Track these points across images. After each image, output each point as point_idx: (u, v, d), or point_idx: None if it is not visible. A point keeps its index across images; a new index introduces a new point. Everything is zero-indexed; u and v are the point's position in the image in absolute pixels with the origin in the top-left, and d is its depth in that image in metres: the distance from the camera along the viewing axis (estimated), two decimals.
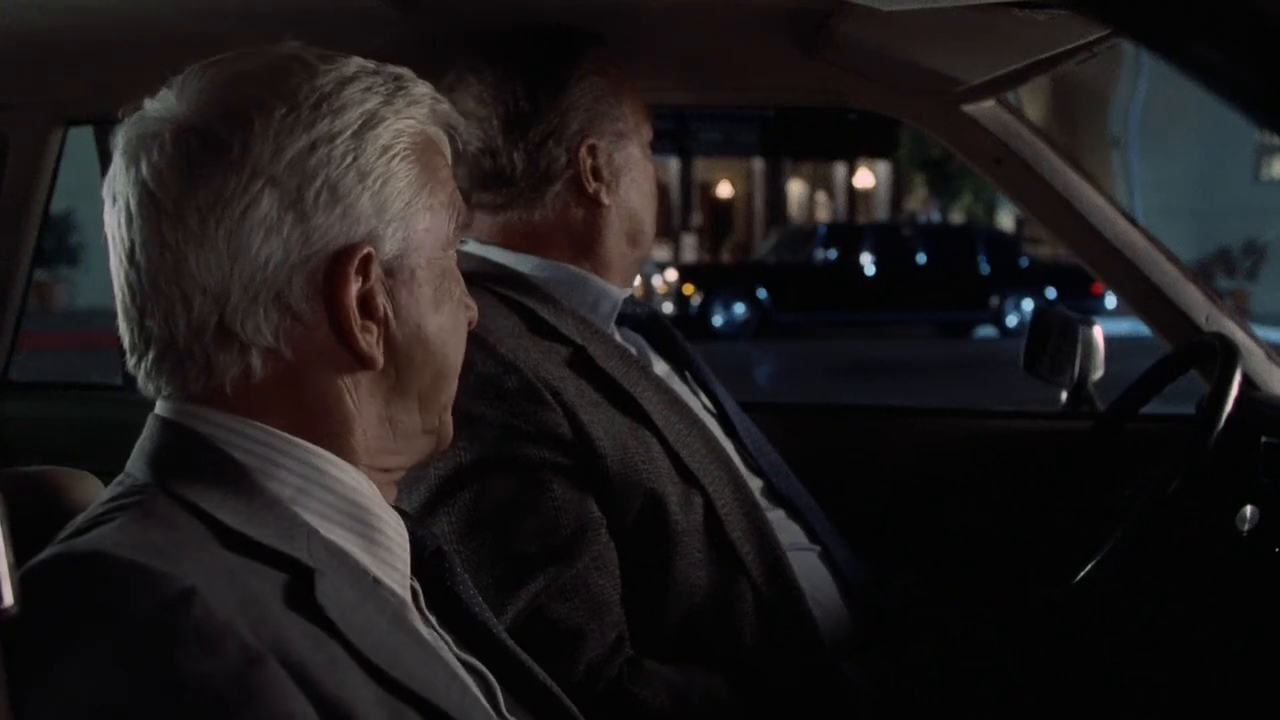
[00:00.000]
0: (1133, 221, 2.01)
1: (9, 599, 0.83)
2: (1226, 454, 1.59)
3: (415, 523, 1.06)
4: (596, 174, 1.59)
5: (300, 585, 0.86)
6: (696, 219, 28.26)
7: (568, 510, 1.40)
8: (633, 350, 1.63)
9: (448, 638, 1.03)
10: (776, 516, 1.65)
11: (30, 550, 0.95)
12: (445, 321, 1.00)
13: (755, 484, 1.66)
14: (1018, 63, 1.79)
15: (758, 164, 28.36)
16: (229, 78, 0.95)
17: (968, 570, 1.91)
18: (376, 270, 0.94)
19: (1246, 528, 1.56)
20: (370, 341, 0.94)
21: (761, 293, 16.60)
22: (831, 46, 1.82)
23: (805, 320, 16.52)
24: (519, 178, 1.57)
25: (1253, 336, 1.94)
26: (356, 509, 0.96)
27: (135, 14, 1.68)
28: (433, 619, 1.04)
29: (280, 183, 0.90)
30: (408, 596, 1.00)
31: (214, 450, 0.92)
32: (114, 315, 0.98)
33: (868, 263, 17.11)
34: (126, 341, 0.95)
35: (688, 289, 16.21)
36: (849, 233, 19.03)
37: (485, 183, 1.58)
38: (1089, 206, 1.99)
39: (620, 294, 1.64)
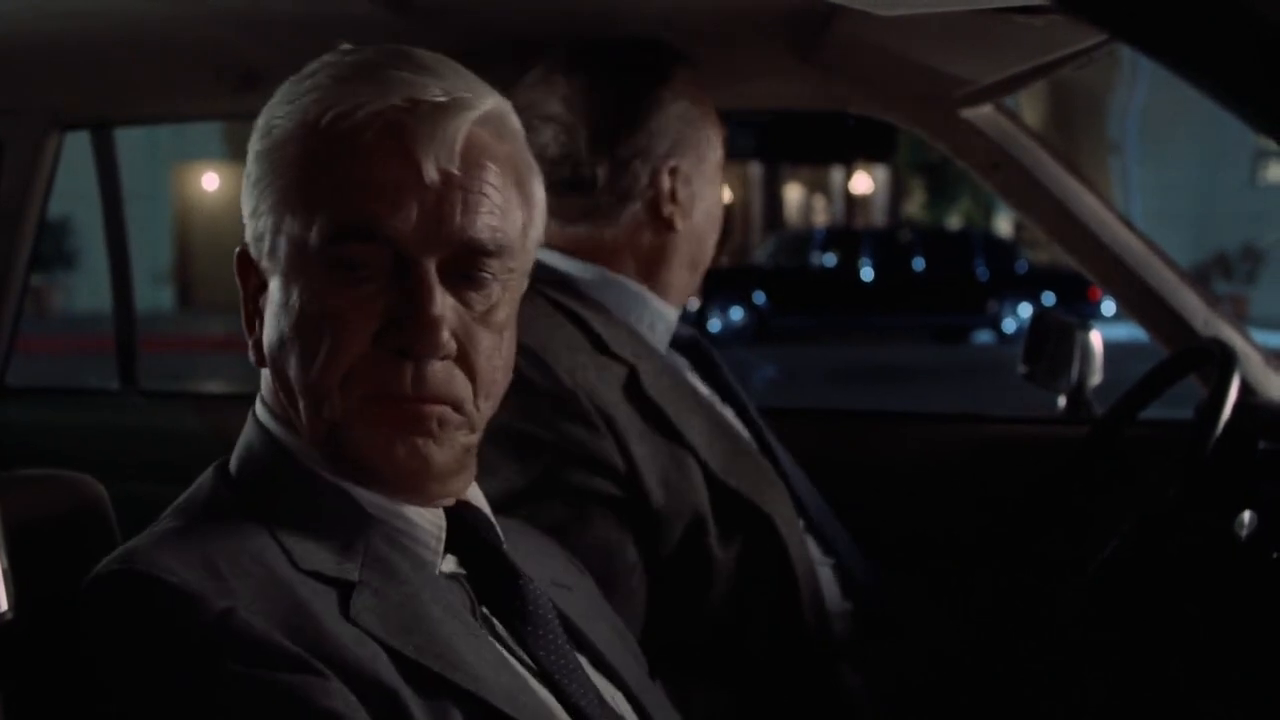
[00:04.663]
0: (1130, 226, 2.01)
1: (3, 604, 0.83)
2: (1224, 459, 1.58)
3: (488, 528, 1.06)
4: (674, 197, 1.57)
5: (346, 597, 0.91)
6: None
7: (601, 550, 1.39)
8: (682, 370, 1.63)
9: (508, 638, 1.03)
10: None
11: (30, 554, 0.95)
12: (279, 327, 0.97)
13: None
14: (1015, 67, 1.79)
15: (755, 168, 28.37)
16: None
17: (966, 575, 1.90)
18: (257, 273, 1.00)
19: (1244, 533, 1.56)
20: (253, 338, 1.01)
21: (759, 297, 16.60)
22: (829, 51, 1.82)
23: (802, 325, 16.52)
24: (599, 192, 1.55)
25: (1250, 341, 1.94)
26: (380, 509, 0.99)
27: (132, 20, 1.68)
28: (496, 623, 1.03)
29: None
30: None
31: (288, 460, 0.98)
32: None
33: (865, 267, 17.11)
34: None
35: None
36: (846, 237, 19.03)
37: (560, 190, 1.51)
38: (1087, 211, 1.99)
39: (674, 315, 1.63)
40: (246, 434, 1.03)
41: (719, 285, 16.84)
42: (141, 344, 2.50)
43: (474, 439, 1.01)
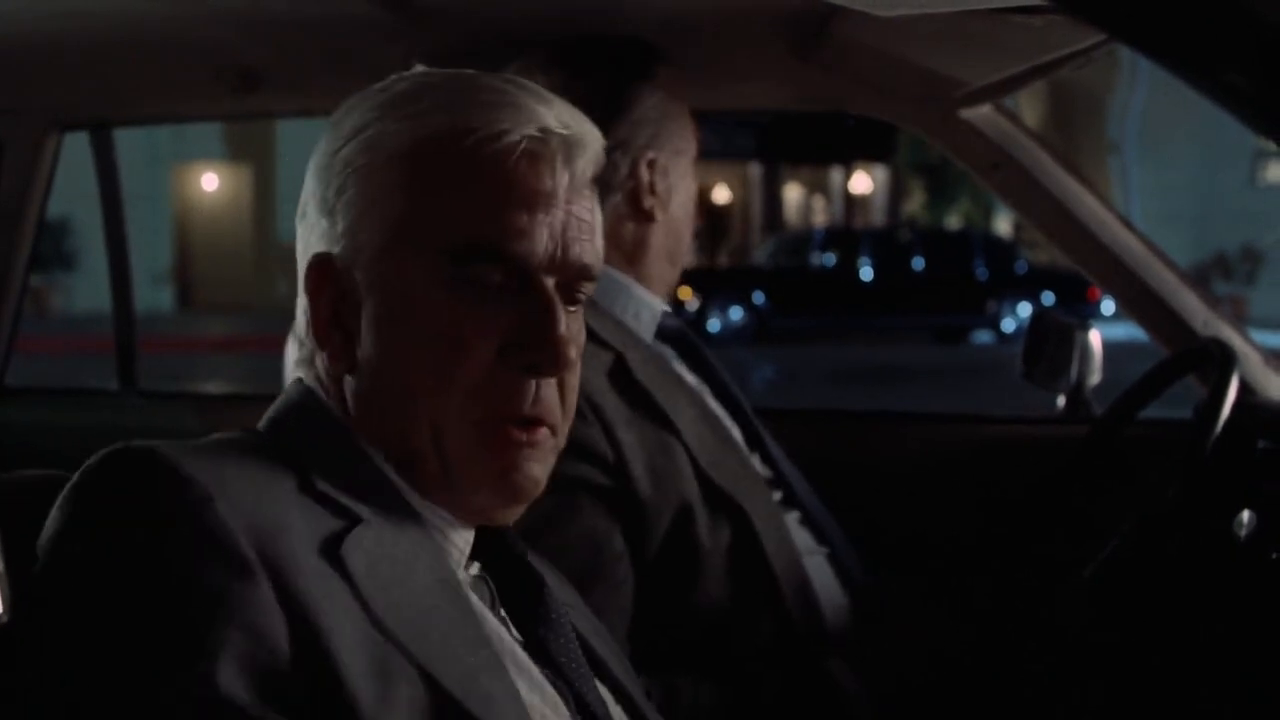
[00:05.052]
0: (1130, 227, 2.01)
1: (0, 607, 0.83)
2: (1224, 459, 1.59)
3: (515, 543, 1.08)
4: (652, 189, 1.59)
5: (345, 533, 0.91)
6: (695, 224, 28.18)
7: (589, 540, 1.41)
8: (668, 359, 1.65)
9: (519, 637, 1.03)
10: (791, 519, 1.67)
11: (30, 556, 0.95)
12: (405, 350, 0.98)
13: (775, 493, 1.68)
14: (1015, 68, 1.79)
15: (754, 169, 28.38)
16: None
17: (965, 575, 1.90)
18: (338, 278, 0.99)
19: (1244, 533, 1.56)
20: (331, 348, 1.00)
21: (758, 297, 16.60)
22: (829, 52, 1.83)
23: (802, 325, 16.52)
24: None
25: (1250, 341, 1.94)
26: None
27: (131, 20, 1.68)
28: (510, 623, 1.04)
29: (306, 195, 1.02)
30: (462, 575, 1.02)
31: (327, 413, 1.00)
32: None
33: (865, 267, 17.10)
34: None
35: (684, 293, 16.16)
36: (846, 237, 19.03)
37: None
38: (1086, 212, 1.99)
39: (661, 306, 1.65)
40: (292, 399, 1.04)
41: (719, 285, 16.86)
42: (141, 344, 2.50)
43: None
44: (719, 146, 25.75)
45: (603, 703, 1.04)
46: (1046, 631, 1.66)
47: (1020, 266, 18.01)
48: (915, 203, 26.79)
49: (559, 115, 0.99)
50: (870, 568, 1.76)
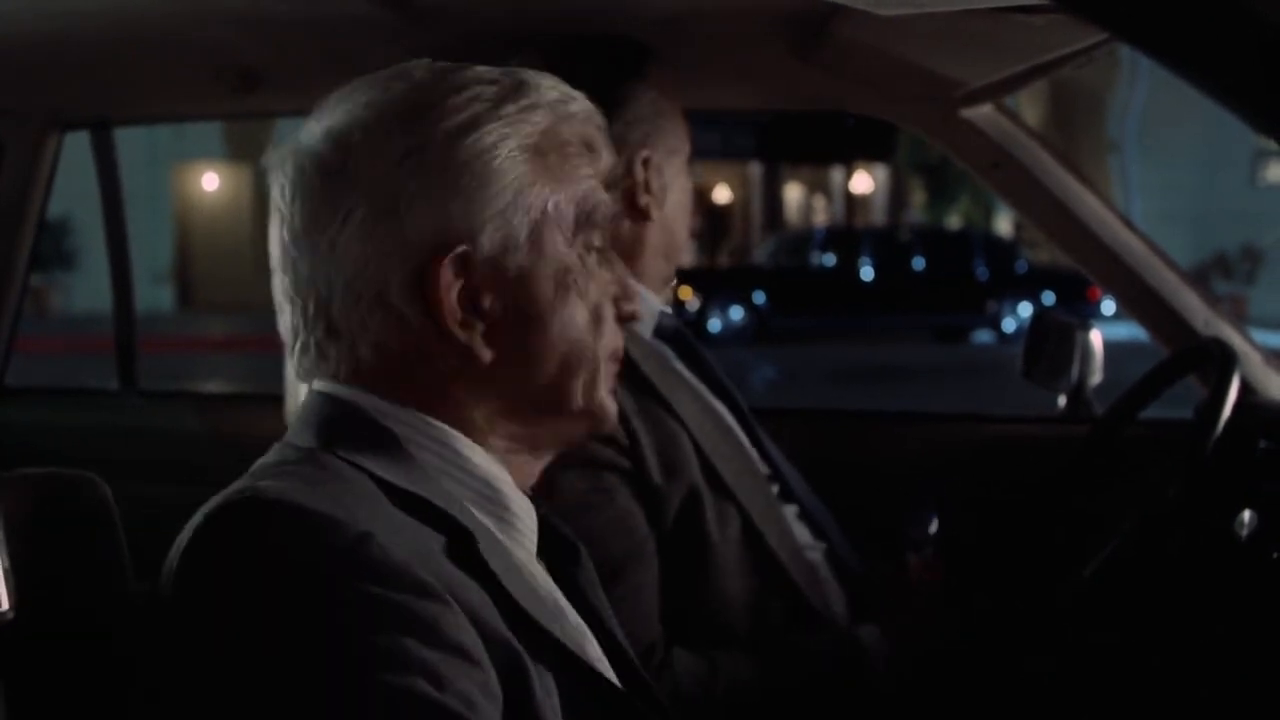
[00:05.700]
0: (1130, 226, 2.01)
1: (4, 604, 0.83)
2: (1225, 459, 1.59)
3: (549, 510, 1.11)
4: (648, 187, 1.61)
5: (460, 545, 0.93)
6: (694, 223, 28.17)
7: (625, 522, 1.44)
8: (667, 357, 1.66)
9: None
10: (788, 515, 1.68)
11: (32, 554, 0.95)
12: (569, 315, 1.03)
13: (772, 488, 1.69)
14: (1015, 67, 1.79)
15: (755, 169, 28.38)
16: (345, 99, 1.02)
17: (965, 575, 1.90)
18: (480, 268, 0.99)
19: (1245, 533, 1.56)
20: (471, 336, 0.99)
21: (759, 297, 16.59)
22: (829, 51, 1.82)
23: (802, 325, 16.50)
24: None
25: (1250, 341, 1.94)
26: (489, 489, 1.02)
27: (131, 20, 1.68)
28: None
29: (374, 192, 0.97)
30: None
31: (371, 421, 1.00)
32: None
33: (866, 267, 17.11)
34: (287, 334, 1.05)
35: (684, 293, 16.17)
36: (846, 237, 19.02)
37: None
38: (1087, 211, 1.99)
39: (658, 304, 1.67)
40: (318, 411, 1.03)
41: (719, 285, 16.84)
42: (141, 344, 2.50)
43: None
44: (719, 146, 25.78)
45: (633, 664, 1.11)
46: (1046, 631, 1.66)
47: (1020, 266, 17.99)
48: (916, 203, 26.78)
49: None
50: (868, 566, 1.76)
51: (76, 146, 2.37)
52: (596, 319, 1.05)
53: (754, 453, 1.69)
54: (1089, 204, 1.99)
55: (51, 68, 1.96)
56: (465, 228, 0.98)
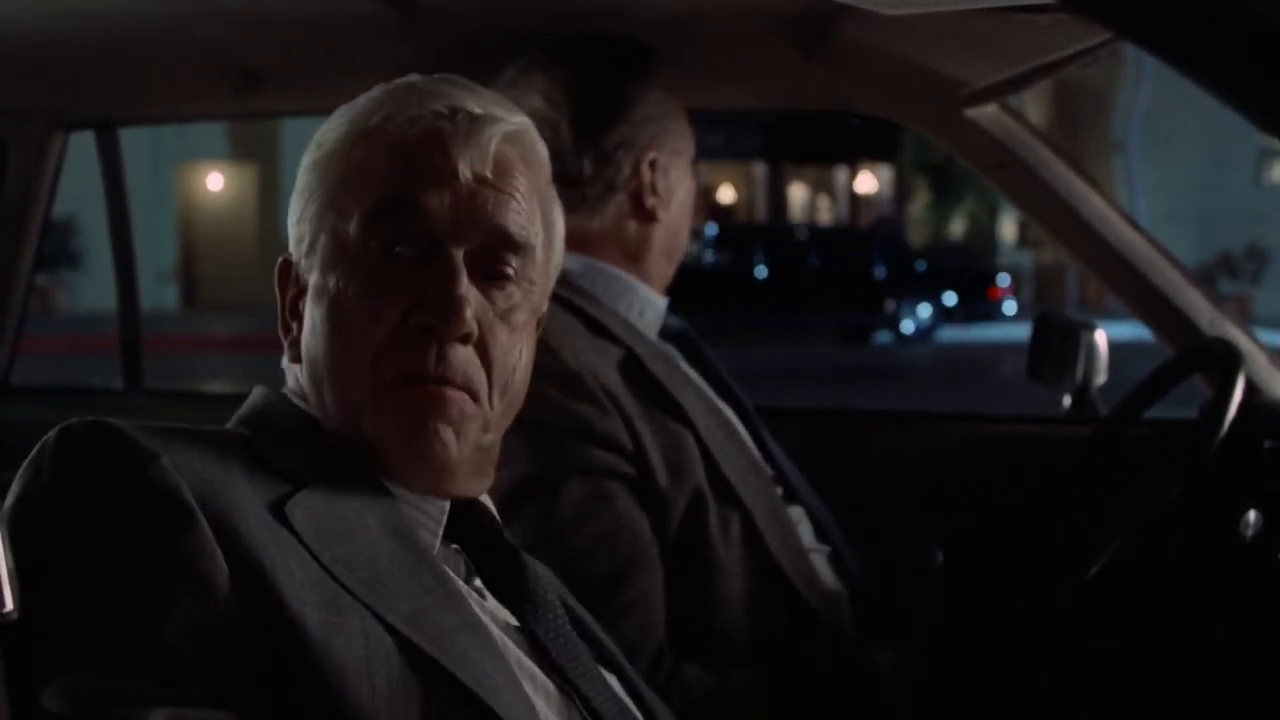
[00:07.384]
0: (1135, 225, 2.01)
1: (9, 604, 0.83)
2: (1229, 459, 1.58)
3: (491, 517, 1.09)
4: (655, 189, 1.61)
5: (289, 496, 0.94)
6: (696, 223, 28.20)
7: (628, 529, 1.43)
8: (674, 357, 1.66)
9: (498, 614, 1.04)
10: (794, 514, 1.68)
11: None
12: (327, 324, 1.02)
13: (777, 489, 1.69)
14: (1020, 67, 1.79)
15: (759, 168, 28.37)
16: None
17: (969, 576, 1.90)
18: (302, 276, 1.05)
19: (1250, 533, 1.56)
20: (292, 339, 1.05)
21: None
22: (834, 51, 1.82)
23: (696, 325, 16.13)
24: (585, 183, 1.58)
25: (1255, 341, 1.94)
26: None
27: (135, 21, 1.68)
28: (488, 595, 1.06)
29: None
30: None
31: (289, 404, 1.05)
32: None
33: (759, 266, 16.64)
34: None
35: None
36: (740, 235, 18.40)
37: None
38: (1091, 211, 1.99)
39: (663, 304, 1.67)
40: (256, 399, 1.08)
41: None
42: (146, 344, 2.50)
43: (490, 440, 1.05)
44: (724, 146, 25.78)
45: (591, 674, 1.06)
46: (1048, 631, 1.66)
47: (919, 265, 17.57)
48: (920, 202, 26.73)
49: (480, 101, 1.05)
50: (871, 565, 1.76)
51: (81, 147, 2.38)
52: (367, 325, 1.02)
53: (759, 454, 1.69)
54: (1094, 203, 1.99)
55: (56, 68, 1.96)
56: (295, 220, 1.07)
